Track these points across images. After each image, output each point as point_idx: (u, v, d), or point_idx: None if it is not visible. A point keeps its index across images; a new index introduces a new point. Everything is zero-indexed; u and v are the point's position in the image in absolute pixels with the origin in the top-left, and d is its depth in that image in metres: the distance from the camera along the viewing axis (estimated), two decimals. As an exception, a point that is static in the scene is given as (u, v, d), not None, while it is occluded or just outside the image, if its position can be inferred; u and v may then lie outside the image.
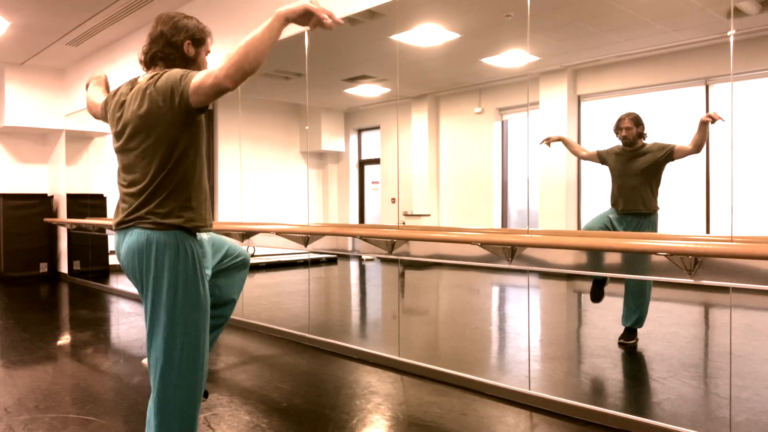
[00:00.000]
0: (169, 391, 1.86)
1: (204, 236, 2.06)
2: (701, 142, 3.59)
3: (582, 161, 6.36)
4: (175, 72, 1.82)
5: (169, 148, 1.83)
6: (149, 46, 1.97)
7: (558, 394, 2.93)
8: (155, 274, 1.84)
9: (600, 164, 4.06)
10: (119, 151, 1.95)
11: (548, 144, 4.13)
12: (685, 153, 3.68)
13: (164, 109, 1.79)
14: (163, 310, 1.84)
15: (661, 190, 3.84)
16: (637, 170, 3.81)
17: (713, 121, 3.46)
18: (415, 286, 7.24)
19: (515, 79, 6.99)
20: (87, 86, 2.38)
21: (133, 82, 1.95)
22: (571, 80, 6.56)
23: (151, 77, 1.87)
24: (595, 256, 2.83)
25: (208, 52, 2.05)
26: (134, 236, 1.86)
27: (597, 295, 3.92)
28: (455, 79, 7.81)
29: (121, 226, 1.91)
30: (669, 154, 3.73)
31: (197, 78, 1.75)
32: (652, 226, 3.81)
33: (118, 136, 1.95)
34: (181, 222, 1.86)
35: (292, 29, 4.67)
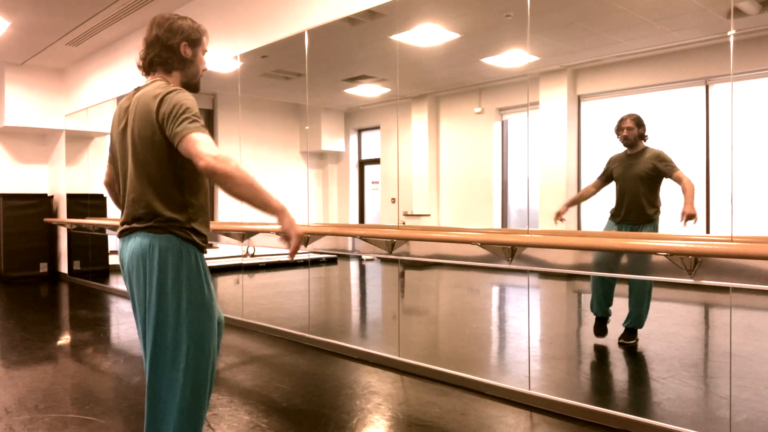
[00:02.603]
0: (175, 394, 1.83)
1: None
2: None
3: (582, 160, 6.37)
4: (180, 105, 1.78)
5: (166, 163, 1.82)
6: (146, 51, 1.96)
7: (558, 394, 2.93)
8: (159, 276, 1.82)
9: (609, 182, 4.02)
10: (121, 158, 1.94)
11: (558, 220, 4.00)
12: (678, 183, 3.69)
13: (160, 133, 1.79)
14: (169, 313, 1.82)
15: (662, 186, 3.84)
16: (637, 176, 3.80)
17: (690, 219, 3.50)
18: (415, 286, 7.24)
19: (515, 79, 6.99)
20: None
21: (138, 89, 1.94)
22: (571, 80, 6.56)
23: (157, 90, 1.84)
24: (595, 256, 2.83)
25: (205, 51, 2.04)
26: (137, 240, 1.86)
27: (600, 331, 3.96)
28: (455, 79, 7.80)
29: (124, 233, 1.91)
30: (668, 172, 3.72)
31: (194, 137, 1.71)
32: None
33: (120, 142, 1.93)
34: (181, 234, 1.86)
35: (292, 28, 4.65)
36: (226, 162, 1.65)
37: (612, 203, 3.99)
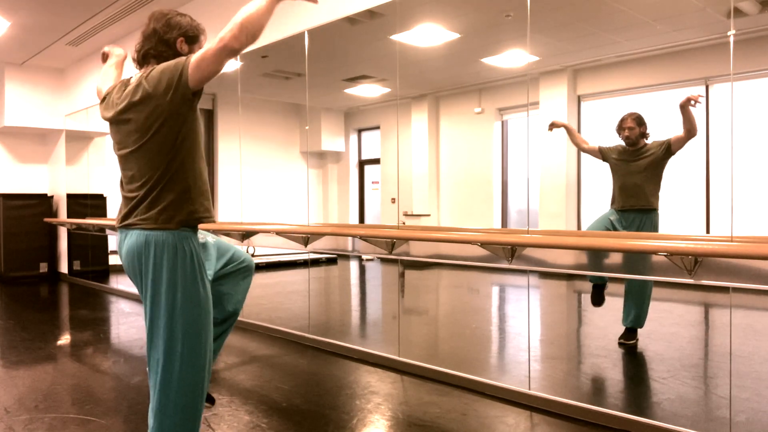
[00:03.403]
0: (170, 390, 1.85)
1: (209, 239, 2.05)
2: (690, 125, 3.60)
3: (582, 160, 6.37)
4: (169, 62, 1.83)
5: (165, 140, 1.83)
6: (142, 43, 1.97)
7: (558, 394, 2.93)
8: (154, 274, 1.84)
9: (599, 160, 4.06)
10: (116, 148, 1.95)
11: (551, 128, 4.09)
12: (681, 141, 3.69)
13: (158, 97, 1.79)
14: (163, 311, 1.84)
15: (662, 187, 3.84)
16: (639, 169, 3.82)
17: (693, 103, 3.44)
18: (415, 286, 7.24)
19: (515, 79, 6.99)
20: (104, 57, 2.30)
21: (126, 83, 1.95)
22: (571, 80, 6.56)
23: (143, 72, 1.88)
24: (595, 256, 2.83)
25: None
26: (133, 237, 1.87)
27: (598, 299, 3.94)
28: (455, 79, 7.80)
29: (123, 224, 1.92)
30: (667, 148, 3.75)
31: (197, 55, 1.76)
32: (653, 225, 3.81)
33: (114, 134, 1.95)
34: (182, 216, 1.85)
35: (292, 28, 4.65)
36: (225, 34, 1.69)
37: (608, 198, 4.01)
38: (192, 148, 1.88)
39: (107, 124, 2.00)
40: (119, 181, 1.98)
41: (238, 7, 1.71)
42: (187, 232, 1.88)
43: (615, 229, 3.86)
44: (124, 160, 1.92)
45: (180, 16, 1.98)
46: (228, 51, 1.70)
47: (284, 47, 4.66)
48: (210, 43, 1.73)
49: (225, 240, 2.28)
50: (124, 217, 1.90)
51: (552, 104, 6.64)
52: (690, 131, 3.62)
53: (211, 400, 2.23)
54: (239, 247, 2.28)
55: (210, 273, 2.02)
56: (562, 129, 4.23)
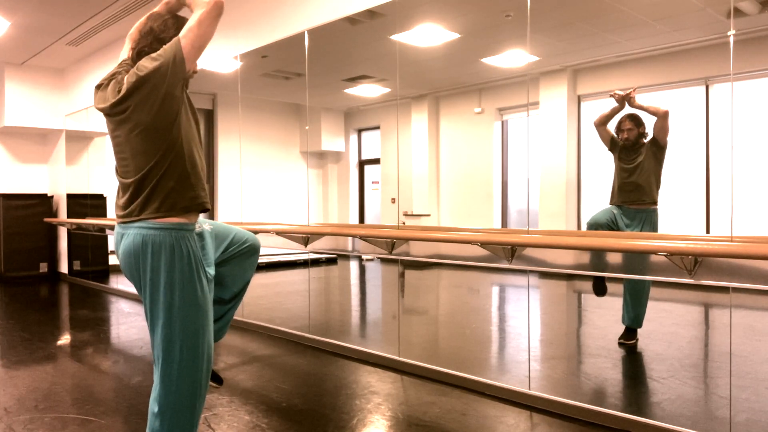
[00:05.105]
0: (169, 389, 1.87)
1: (206, 227, 2.04)
2: (651, 111, 3.70)
3: (582, 160, 6.38)
4: (159, 54, 1.85)
5: (160, 126, 1.83)
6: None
7: (558, 394, 2.93)
8: (152, 275, 1.84)
9: (605, 146, 4.05)
10: (111, 135, 1.96)
11: (614, 95, 3.86)
12: (658, 127, 3.72)
13: (153, 81, 1.80)
14: (161, 310, 1.85)
15: (663, 186, 3.85)
16: (636, 168, 3.84)
17: (631, 96, 3.62)
18: (415, 286, 7.23)
19: (515, 79, 6.98)
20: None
21: (120, 80, 1.95)
22: (571, 80, 6.55)
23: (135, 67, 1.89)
24: (594, 256, 2.83)
25: None
26: (130, 238, 1.87)
27: (600, 288, 3.91)
28: (455, 79, 7.80)
29: (123, 218, 1.91)
30: (654, 141, 3.78)
31: (189, 25, 1.82)
32: (653, 222, 3.82)
33: (109, 123, 1.95)
34: (185, 202, 1.86)
35: (292, 28, 4.64)
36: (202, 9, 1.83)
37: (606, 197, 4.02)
38: (187, 135, 1.89)
39: (104, 117, 2.00)
40: (114, 167, 1.97)
41: (237, 9, 1.72)
42: (185, 230, 1.88)
43: (617, 221, 3.87)
44: (119, 148, 1.92)
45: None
46: (220, 5, 1.82)
47: (284, 47, 4.65)
48: (194, 14, 1.81)
49: (222, 225, 2.23)
50: (124, 207, 1.90)
51: (552, 104, 6.64)
52: (656, 113, 3.69)
53: (218, 380, 2.24)
54: (240, 229, 2.26)
55: (210, 270, 2.01)
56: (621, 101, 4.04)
